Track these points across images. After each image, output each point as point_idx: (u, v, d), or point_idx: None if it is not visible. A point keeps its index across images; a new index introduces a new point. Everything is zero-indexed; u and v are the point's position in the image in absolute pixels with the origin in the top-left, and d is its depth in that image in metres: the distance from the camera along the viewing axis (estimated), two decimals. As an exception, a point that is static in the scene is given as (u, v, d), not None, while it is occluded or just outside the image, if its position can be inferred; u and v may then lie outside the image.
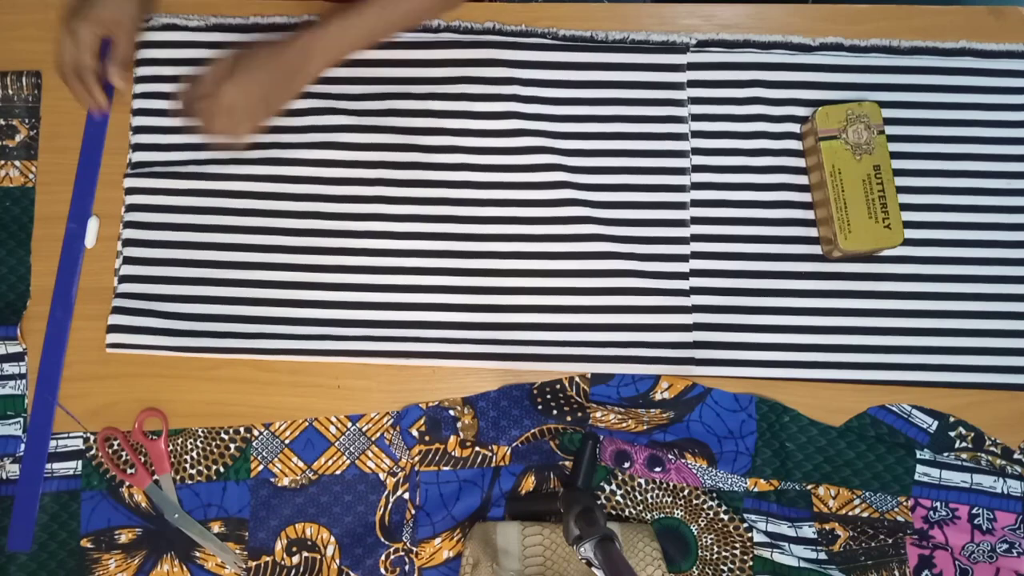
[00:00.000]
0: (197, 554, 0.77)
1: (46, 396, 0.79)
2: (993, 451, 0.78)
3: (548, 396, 0.78)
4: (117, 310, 0.80)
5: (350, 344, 0.79)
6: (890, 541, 0.76)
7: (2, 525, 0.77)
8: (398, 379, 0.80)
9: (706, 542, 0.77)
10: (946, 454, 0.78)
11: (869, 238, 0.77)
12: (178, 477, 0.78)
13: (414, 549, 0.76)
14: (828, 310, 0.80)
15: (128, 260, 0.81)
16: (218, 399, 0.79)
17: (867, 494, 0.77)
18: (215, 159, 0.83)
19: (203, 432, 0.79)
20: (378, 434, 0.79)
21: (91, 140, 0.84)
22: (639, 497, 0.77)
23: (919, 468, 0.77)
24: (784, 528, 0.76)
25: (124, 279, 0.81)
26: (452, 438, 0.78)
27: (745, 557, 0.76)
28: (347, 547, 0.77)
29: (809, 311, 0.80)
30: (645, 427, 0.78)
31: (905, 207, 0.79)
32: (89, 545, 0.77)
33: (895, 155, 0.80)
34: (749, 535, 0.76)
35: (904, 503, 0.77)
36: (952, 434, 0.78)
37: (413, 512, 0.77)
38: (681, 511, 0.77)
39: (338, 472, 0.78)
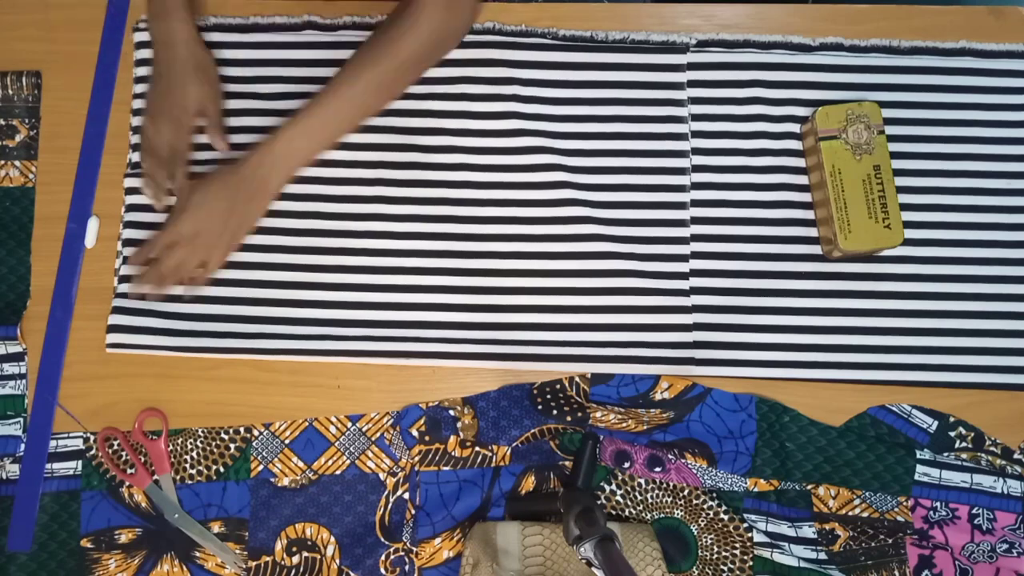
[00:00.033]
0: (197, 554, 0.77)
1: (46, 396, 0.79)
2: (993, 451, 0.78)
3: (548, 396, 0.78)
4: (117, 310, 0.80)
5: (350, 344, 0.79)
6: (890, 541, 0.76)
7: (2, 525, 0.77)
8: (398, 379, 0.80)
9: (706, 542, 0.77)
10: (946, 454, 0.78)
11: (869, 238, 0.77)
12: (178, 477, 0.78)
13: (414, 549, 0.76)
14: (828, 310, 0.80)
15: (128, 260, 0.81)
16: (218, 399, 0.79)
17: (867, 494, 0.77)
18: (215, 158, 0.83)
19: (203, 432, 0.79)
20: (378, 434, 0.79)
21: (91, 140, 0.84)
22: (639, 497, 0.77)
23: (919, 468, 0.77)
24: (784, 528, 0.76)
25: (124, 279, 0.81)
26: (452, 438, 0.78)
27: (745, 557, 0.76)
28: (347, 547, 0.77)
29: (809, 311, 0.80)
30: (645, 427, 0.78)
31: (905, 207, 0.79)
32: (89, 545, 0.77)
33: (895, 155, 0.80)
34: (749, 535, 0.76)
35: (904, 503, 0.77)
36: (952, 434, 0.78)
37: (413, 512, 0.77)
38: (681, 511, 0.77)
39: (338, 472, 0.78)
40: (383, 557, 0.76)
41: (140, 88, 0.84)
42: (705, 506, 0.77)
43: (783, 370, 0.79)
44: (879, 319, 0.80)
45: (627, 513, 0.77)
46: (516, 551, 0.74)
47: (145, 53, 0.85)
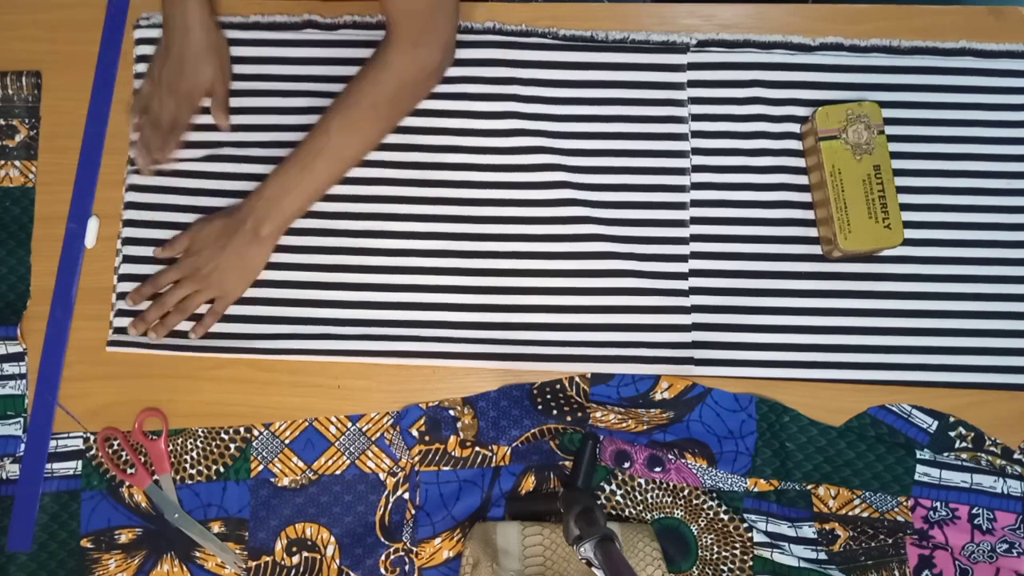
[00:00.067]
0: (197, 554, 0.77)
1: (46, 396, 0.79)
2: (993, 451, 0.78)
3: (548, 396, 0.78)
4: (121, 312, 0.80)
5: (350, 344, 0.79)
6: (890, 541, 0.76)
7: (2, 525, 0.77)
8: (398, 379, 0.80)
9: (706, 542, 0.77)
10: (946, 454, 0.78)
11: (869, 238, 0.77)
12: (178, 477, 0.78)
13: (414, 549, 0.76)
14: (828, 310, 0.80)
15: (128, 260, 0.81)
16: (218, 399, 0.79)
17: (867, 494, 0.77)
18: (215, 158, 0.83)
19: (203, 432, 0.79)
20: (378, 434, 0.79)
21: (91, 140, 0.84)
22: (639, 497, 0.77)
23: (919, 468, 0.77)
24: (784, 528, 0.76)
25: (124, 279, 0.81)
26: (452, 438, 0.78)
27: (745, 557, 0.76)
28: (347, 547, 0.77)
29: (809, 311, 0.80)
30: (645, 427, 0.78)
31: (905, 207, 0.79)
32: (89, 545, 0.77)
33: (895, 155, 0.80)
34: (749, 535, 0.76)
35: (904, 503, 0.77)
36: (952, 434, 0.78)
37: (413, 512, 0.77)
38: (681, 511, 0.77)
39: (338, 472, 0.78)
40: (383, 557, 0.76)
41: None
42: (705, 506, 0.77)
43: (783, 370, 0.79)
44: (879, 319, 0.80)
45: (627, 513, 0.77)
46: (516, 551, 0.74)
47: (146, 51, 0.85)
